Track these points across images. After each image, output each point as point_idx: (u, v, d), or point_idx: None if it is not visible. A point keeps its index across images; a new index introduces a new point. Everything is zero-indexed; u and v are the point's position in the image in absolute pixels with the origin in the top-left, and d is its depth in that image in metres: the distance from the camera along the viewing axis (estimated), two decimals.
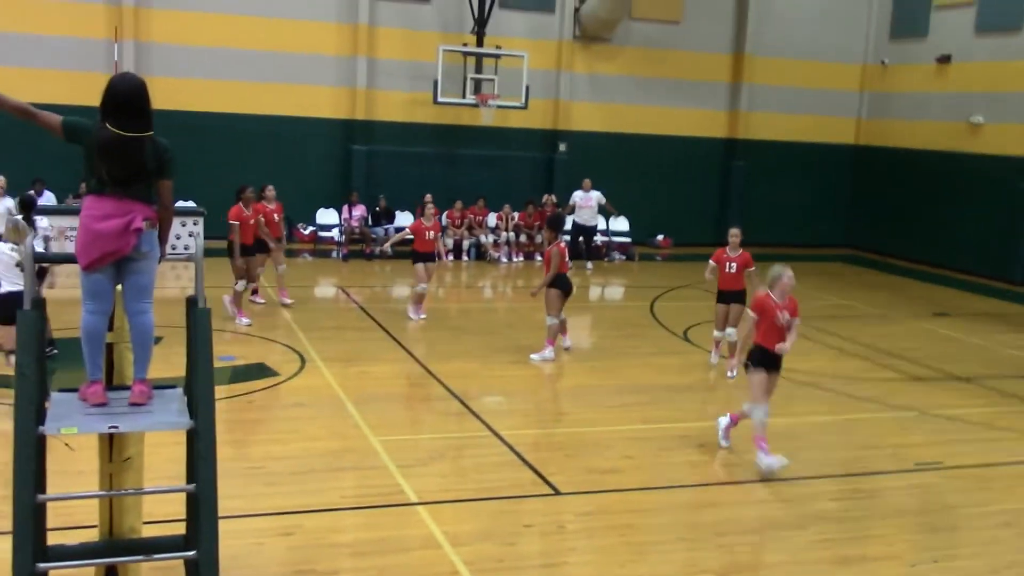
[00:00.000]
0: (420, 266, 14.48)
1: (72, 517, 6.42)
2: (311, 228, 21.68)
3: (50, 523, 5.17)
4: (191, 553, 4.97)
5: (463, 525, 7.29)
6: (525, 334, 13.55)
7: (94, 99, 4.92)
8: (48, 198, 18.49)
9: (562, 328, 12.67)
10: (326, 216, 21.72)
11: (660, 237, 24.28)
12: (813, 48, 25.40)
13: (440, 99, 21.40)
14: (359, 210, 20.96)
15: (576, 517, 7.61)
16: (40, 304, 5.06)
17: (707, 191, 25.19)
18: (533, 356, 12.40)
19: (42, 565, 4.77)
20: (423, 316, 14.48)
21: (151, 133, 4.95)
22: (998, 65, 22.13)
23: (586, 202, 20.91)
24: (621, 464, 8.85)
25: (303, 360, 11.76)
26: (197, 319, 5.13)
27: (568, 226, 19.89)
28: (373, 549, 6.79)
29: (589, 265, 20.59)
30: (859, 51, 26.08)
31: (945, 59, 23.47)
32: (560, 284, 12.29)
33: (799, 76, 25.40)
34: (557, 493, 8.05)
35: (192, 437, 5.05)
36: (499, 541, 7.04)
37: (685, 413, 10.73)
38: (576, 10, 23.35)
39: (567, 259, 12.49)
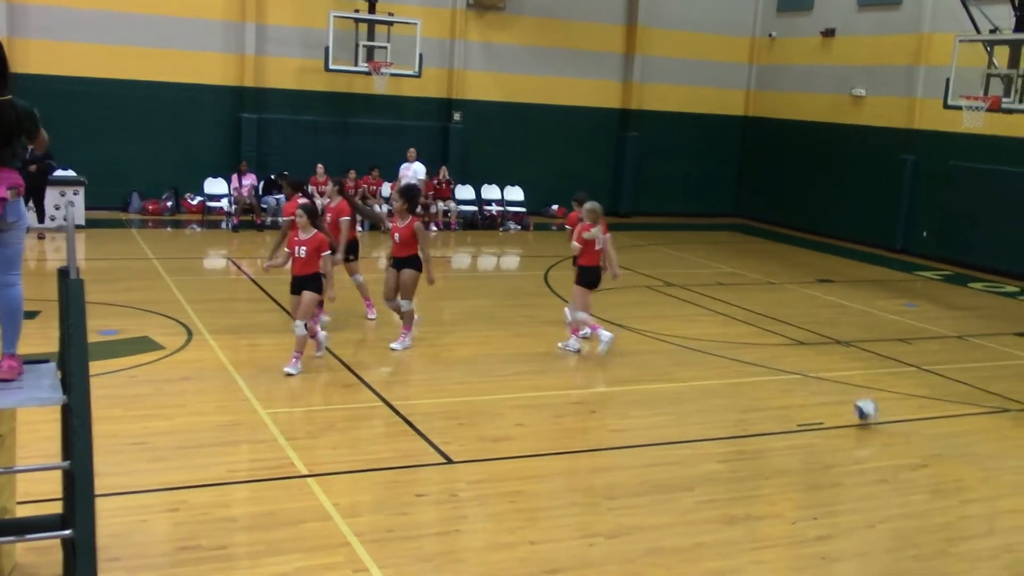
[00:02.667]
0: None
1: None
2: (199, 198, 21.11)
3: None
4: (67, 532, 4.83)
5: (355, 496, 7.23)
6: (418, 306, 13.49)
7: None
8: None
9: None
10: (215, 186, 21.14)
11: (555, 207, 24.43)
12: (704, 21, 25.82)
13: (332, 67, 21.04)
14: (249, 179, 20.51)
15: (468, 485, 7.63)
16: None
17: (602, 161, 25.43)
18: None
19: None
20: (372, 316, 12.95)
21: (10, 97, 4.73)
22: (879, 39, 22.85)
23: (405, 171, 20.47)
24: (513, 432, 8.91)
25: (190, 333, 11.47)
26: (70, 290, 4.94)
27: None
28: (262, 523, 6.68)
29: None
30: (748, 24, 26.61)
31: (829, 33, 24.12)
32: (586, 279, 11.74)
33: (691, 48, 25.79)
34: (449, 462, 8.06)
35: (66, 413, 4.89)
36: (391, 511, 7.01)
37: (576, 380, 10.84)
38: None
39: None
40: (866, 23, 23.28)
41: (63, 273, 5.05)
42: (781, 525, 7.28)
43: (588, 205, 11.87)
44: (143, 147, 20.93)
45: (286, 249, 10.59)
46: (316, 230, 10.28)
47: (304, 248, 10.19)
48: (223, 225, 20.05)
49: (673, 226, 24.50)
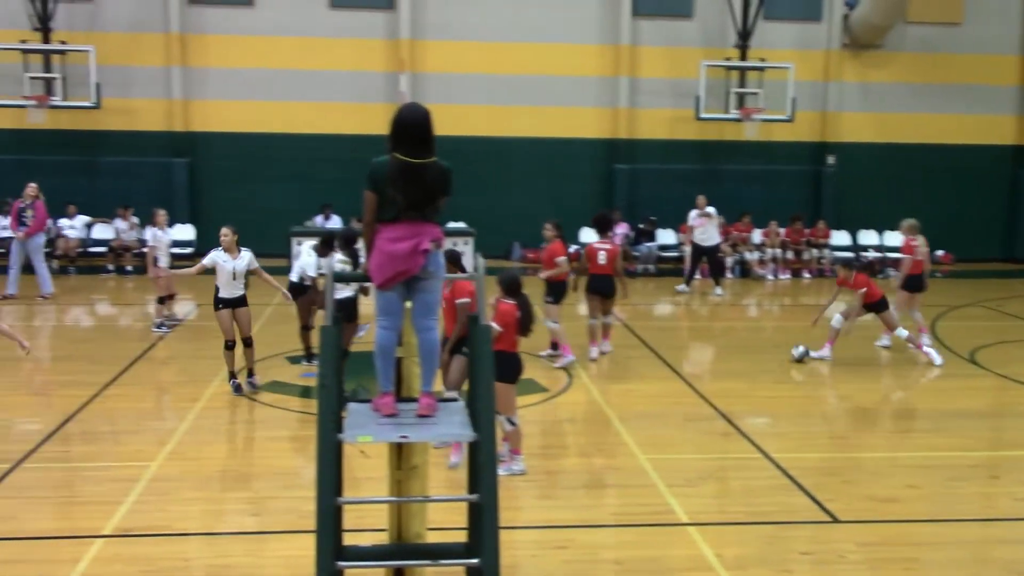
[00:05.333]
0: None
1: (360, 520, 6.81)
2: (575, 247, 21.97)
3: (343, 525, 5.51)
4: (474, 561, 5.14)
5: (738, 549, 7.11)
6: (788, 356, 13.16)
7: (373, 128, 5.25)
8: (335, 222, 19.85)
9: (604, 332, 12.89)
10: (590, 236, 21.89)
11: (940, 252, 22.78)
12: None
13: (702, 115, 21.21)
14: (622, 228, 21.07)
15: (857, 547, 7.23)
16: (338, 320, 5.43)
17: (992, 202, 23.40)
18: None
19: (340, 563, 5.08)
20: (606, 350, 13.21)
21: (435, 159, 5.20)
22: None
23: (697, 222, 18.99)
24: (904, 493, 8.34)
25: (570, 377, 11.94)
26: (478, 335, 5.32)
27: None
28: (642, 568, 6.76)
29: (718, 290, 18.65)
30: None
31: None
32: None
33: None
34: (835, 521, 7.70)
35: (474, 449, 5.24)
36: (773, 567, 6.82)
37: (974, 441, 9.97)
38: (845, 17, 22.45)
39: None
40: None
41: (473, 319, 5.46)
42: None
43: (908, 221, 14.10)
44: (523, 199, 22.23)
45: None
46: None
47: None
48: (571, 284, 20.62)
49: None
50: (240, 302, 10.87)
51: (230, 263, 10.69)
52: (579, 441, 9.61)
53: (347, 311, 10.45)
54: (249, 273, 11.06)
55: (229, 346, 10.84)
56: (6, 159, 20.93)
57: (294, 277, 12.07)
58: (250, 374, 11.07)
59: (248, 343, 10.95)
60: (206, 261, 10.85)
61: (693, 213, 19.01)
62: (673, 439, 9.80)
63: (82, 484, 8.34)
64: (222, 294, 10.81)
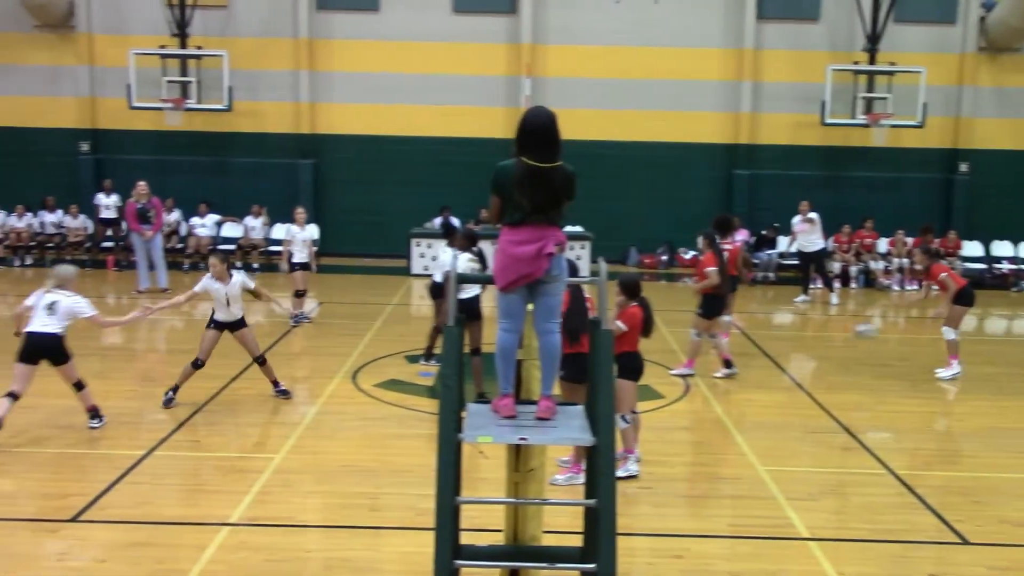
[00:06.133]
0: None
1: (473, 520, 6.87)
2: (692, 253, 21.73)
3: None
4: (591, 566, 5.12)
5: (861, 567, 6.91)
6: (919, 367, 12.71)
7: (493, 131, 5.28)
8: (455, 223, 20.07)
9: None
10: None
11: None
12: None
13: (828, 120, 20.71)
14: (741, 235, 20.67)
15: (988, 571, 6.94)
16: (461, 321, 5.49)
17: None
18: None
19: (457, 562, 5.14)
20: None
21: (561, 163, 5.21)
22: None
23: (799, 227, 18.53)
24: None
25: (687, 384, 11.80)
26: (600, 340, 5.31)
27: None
28: None
29: (832, 298, 18.36)
30: None
31: None
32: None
33: None
34: (964, 543, 7.40)
35: (593, 454, 5.23)
36: None
37: None
38: (981, 19, 21.59)
39: None
40: None
41: (595, 323, 5.45)
42: None
43: None
44: (640, 204, 22.11)
45: None
46: None
47: None
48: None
49: None
50: (238, 325, 10.70)
51: (223, 289, 10.54)
52: (696, 450, 9.50)
53: (471, 311, 10.54)
54: (251, 293, 10.99)
55: (197, 364, 10.60)
56: (144, 159, 21.88)
57: (438, 277, 12.00)
58: (276, 385, 10.93)
59: (261, 361, 10.84)
60: (197, 288, 10.70)
61: (796, 219, 18.68)
62: (792, 451, 9.58)
63: (210, 473, 8.65)
64: (217, 317, 10.68)
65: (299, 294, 14.78)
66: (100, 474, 8.39)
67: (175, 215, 21.07)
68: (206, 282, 10.65)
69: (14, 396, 9.18)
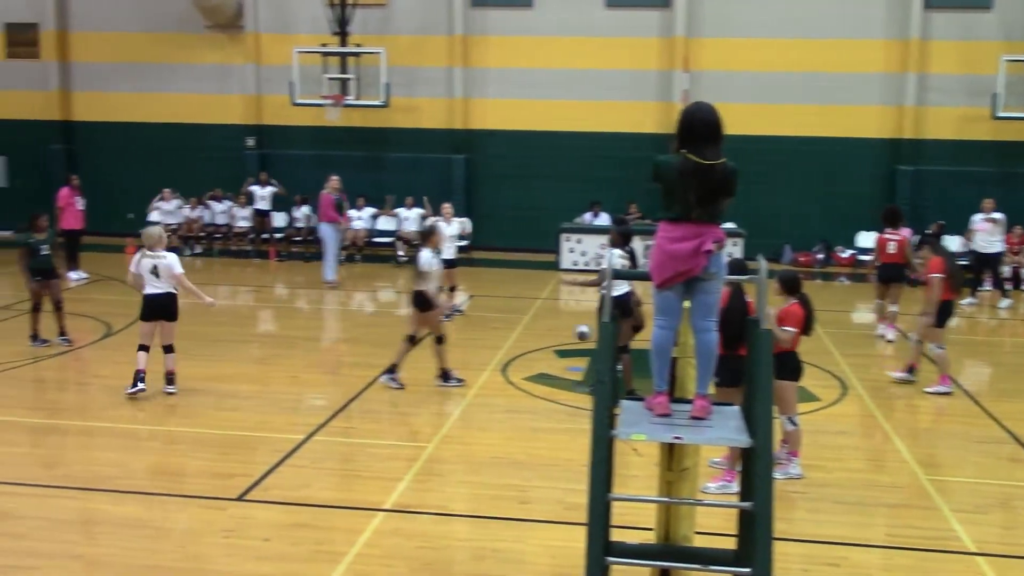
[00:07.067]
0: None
1: (624, 518, 6.83)
2: (849, 251, 21.06)
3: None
4: (745, 570, 5.03)
5: None
6: None
7: (646, 126, 5.22)
8: (604, 219, 20.04)
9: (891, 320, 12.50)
10: (866, 239, 20.91)
11: None
12: None
13: (1000, 114, 19.67)
14: (905, 232, 19.86)
15: None
16: (616, 317, 5.47)
17: None
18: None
19: (608, 559, 5.12)
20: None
21: (724, 160, 5.11)
22: None
23: (983, 226, 17.36)
24: None
25: (844, 387, 11.43)
26: (759, 340, 5.19)
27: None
28: None
29: (1004, 301, 17.26)
30: None
31: None
32: None
33: None
34: None
35: (749, 455, 5.12)
36: None
37: None
38: None
39: None
40: None
41: (754, 323, 5.33)
42: None
43: None
44: (795, 200, 21.53)
45: None
46: None
47: None
48: (870, 279, 19.66)
49: None
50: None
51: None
52: (854, 455, 9.18)
53: (623, 308, 10.47)
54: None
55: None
56: (304, 154, 22.71)
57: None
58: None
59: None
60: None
61: (978, 217, 17.68)
62: (957, 460, 9.15)
63: (366, 459, 8.90)
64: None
65: (447, 289, 15.01)
66: (262, 456, 8.76)
67: (366, 211, 21.80)
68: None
69: (145, 349, 10.42)
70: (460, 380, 11.14)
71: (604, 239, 12.00)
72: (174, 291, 10.52)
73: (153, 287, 10.42)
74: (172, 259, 10.56)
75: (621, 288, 10.54)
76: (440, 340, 11.17)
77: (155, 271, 10.40)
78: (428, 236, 11.25)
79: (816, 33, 21.16)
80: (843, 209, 21.25)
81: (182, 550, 6.87)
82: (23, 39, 23.95)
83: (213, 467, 8.56)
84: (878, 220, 14.78)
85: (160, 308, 10.46)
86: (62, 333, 12.75)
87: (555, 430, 9.72)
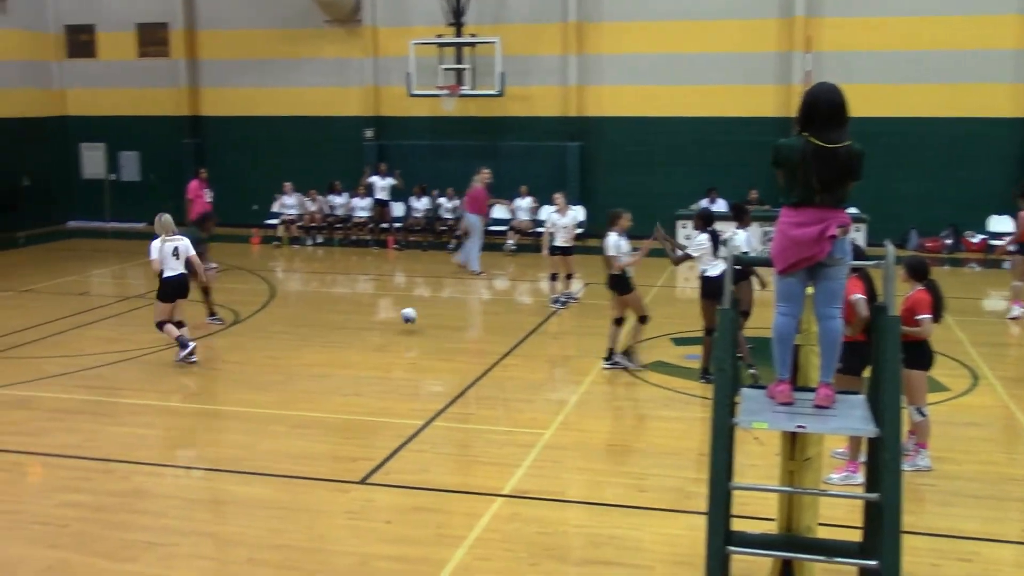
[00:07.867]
0: None
1: (744, 507, 6.74)
2: (981, 236, 20.23)
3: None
4: (872, 563, 4.91)
5: None
6: None
7: (763, 110, 5.08)
8: (720, 205, 19.72)
9: None
10: (999, 223, 20.06)
11: None
12: None
13: None
14: None
15: None
16: (736, 303, 5.39)
17: None
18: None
19: (729, 548, 5.07)
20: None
21: (849, 142, 4.97)
22: None
23: None
24: None
25: (975, 377, 11.01)
26: (886, 326, 5.05)
27: None
28: None
29: None
30: None
31: None
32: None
33: None
34: None
35: (876, 445, 4.99)
36: None
37: None
38: None
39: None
40: None
41: (880, 309, 5.18)
42: None
43: None
44: (920, 184, 20.77)
45: None
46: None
47: None
48: (1005, 265, 18.87)
49: None
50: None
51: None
52: (985, 447, 8.83)
53: (714, 290, 10.22)
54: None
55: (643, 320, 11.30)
56: (421, 144, 23.03)
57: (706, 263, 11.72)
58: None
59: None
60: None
61: None
62: None
63: (483, 445, 9.00)
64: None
65: (564, 276, 15.04)
66: (384, 440, 8.95)
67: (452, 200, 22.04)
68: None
69: (166, 323, 11.48)
70: (625, 364, 11.27)
71: (720, 225, 11.73)
72: (186, 272, 11.57)
73: (172, 269, 11.47)
74: (187, 242, 11.69)
75: (715, 269, 10.35)
76: (619, 322, 11.40)
77: (176, 252, 11.45)
78: (615, 219, 11.47)
79: (943, 9, 20.33)
80: (973, 192, 20.40)
81: (308, 530, 7.08)
82: (154, 38, 24.95)
83: (337, 451, 8.80)
84: (1012, 200, 14.17)
85: (179, 288, 11.55)
86: (212, 313, 13.84)
87: (671, 418, 9.64)
